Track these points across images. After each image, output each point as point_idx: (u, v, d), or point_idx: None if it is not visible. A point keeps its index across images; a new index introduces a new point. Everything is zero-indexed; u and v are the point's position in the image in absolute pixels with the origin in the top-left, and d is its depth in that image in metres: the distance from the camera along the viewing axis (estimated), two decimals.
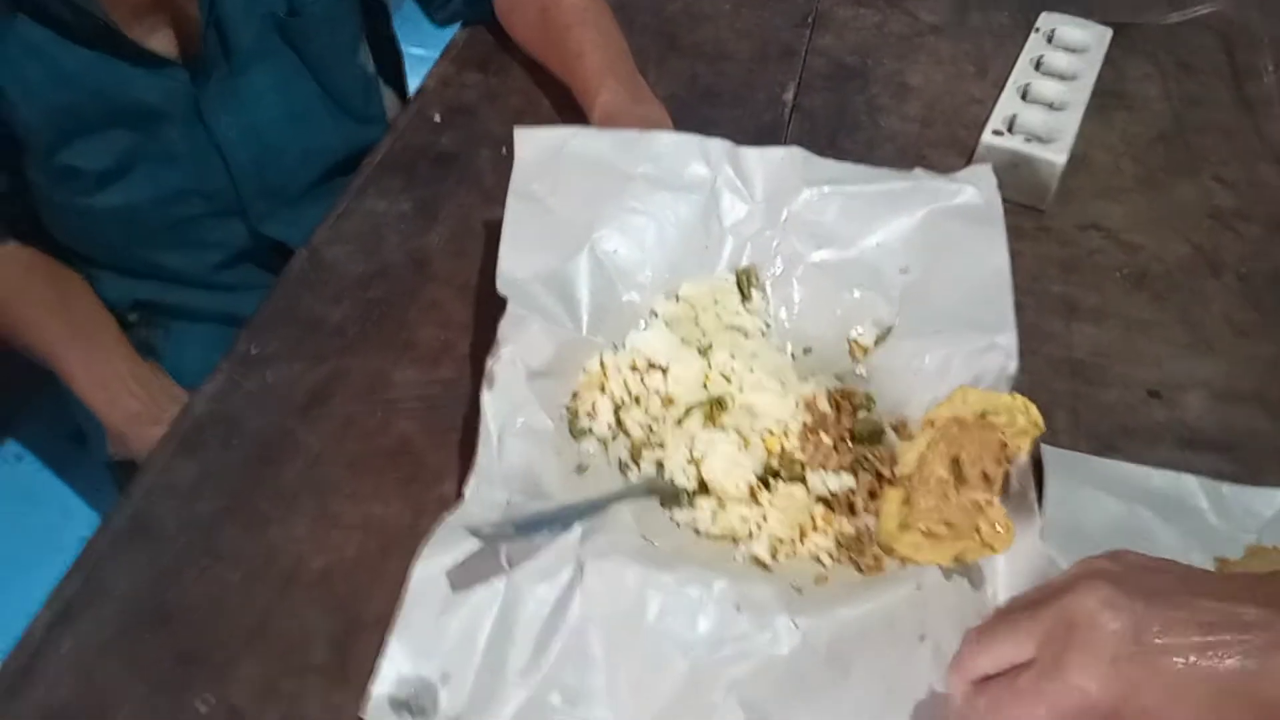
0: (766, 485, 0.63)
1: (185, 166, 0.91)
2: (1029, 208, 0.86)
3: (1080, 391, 0.74)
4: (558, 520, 0.56)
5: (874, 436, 0.65)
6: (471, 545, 0.55)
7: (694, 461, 0.63)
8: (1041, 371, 0.73)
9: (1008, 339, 0.67)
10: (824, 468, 0.63)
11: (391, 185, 0.86)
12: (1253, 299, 0.82)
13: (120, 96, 0.85)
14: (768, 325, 0.72)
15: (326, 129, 0.99)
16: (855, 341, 0.71)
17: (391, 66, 1.15)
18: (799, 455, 0.64)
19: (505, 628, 0.54)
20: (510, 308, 0.66)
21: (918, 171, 0.78)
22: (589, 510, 0.58)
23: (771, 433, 0.64)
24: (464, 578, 0.54)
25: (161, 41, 0.87)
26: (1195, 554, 0.63)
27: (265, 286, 0.79)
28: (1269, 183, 0.91)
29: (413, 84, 1.08)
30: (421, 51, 1.20)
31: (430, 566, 0.55)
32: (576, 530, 0.57)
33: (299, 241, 0.82)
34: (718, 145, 0.76)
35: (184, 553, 0.62)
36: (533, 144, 0.75)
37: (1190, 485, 0.66)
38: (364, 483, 0.65)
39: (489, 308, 0.68)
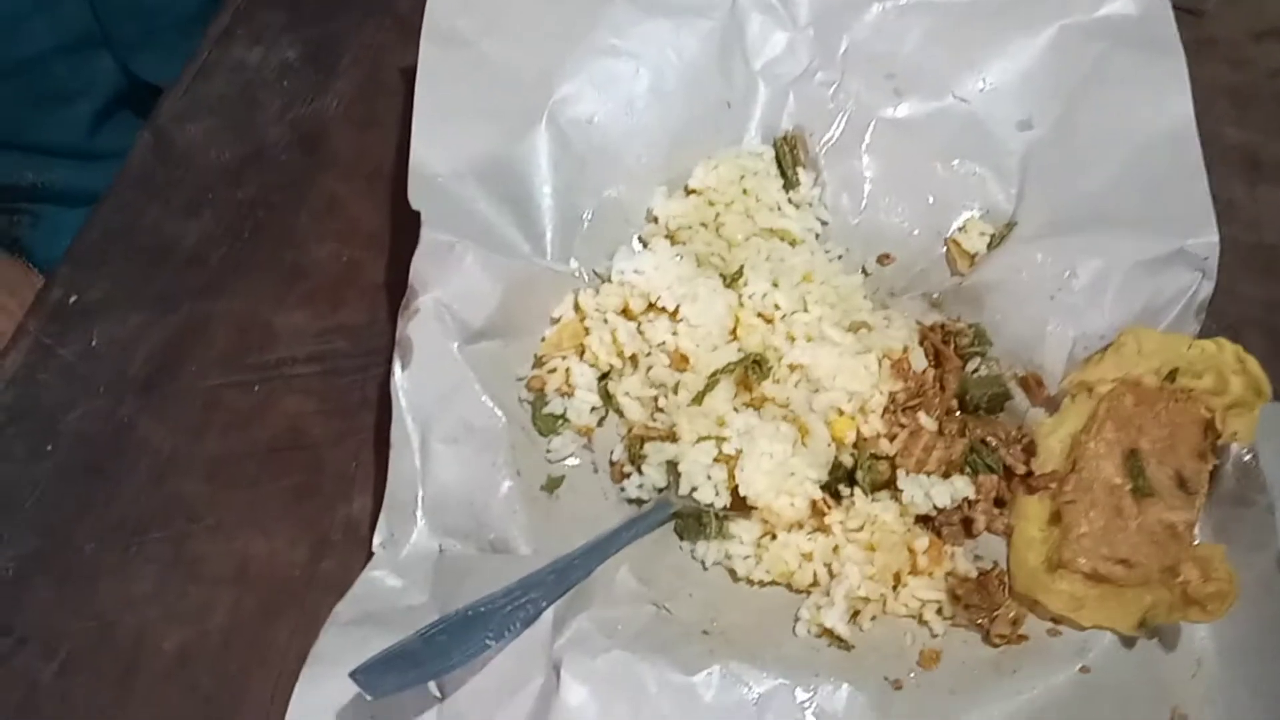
0: (837, 497, 0.42)
1: None
2: (1181, 9, 0.61)
3: (1278, 298, 0.51)
4: (513, 603, 0.36)
5: (994, 403, 0.45)
6: (380, 645, 0.35)
7: (723, 460, 0.42)
8: (1222, 266, 0.50)
9: (1203, 243, 0.45)
10: (924, 469, 0.41)
11: (270, 21, 0.67)
12: None
13: None
14: (824, 224, 0.53)
15: None
16: (956, 243, 0.52)
17: None
18: (885, 448, 0.42)
19: None
20: (426, 232, 0.44)
21: None
22: (562, 577, 0.37)
23: (841, 413, 0.43)
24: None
25: None
26: None
27: None
28: None
29: None
30: None
31: (312, 699, 0.35)
32: (547, 615, 0.37)
33: None
34: None
35: None
36: None
37: None
38: (236, 502, 0.48)
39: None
